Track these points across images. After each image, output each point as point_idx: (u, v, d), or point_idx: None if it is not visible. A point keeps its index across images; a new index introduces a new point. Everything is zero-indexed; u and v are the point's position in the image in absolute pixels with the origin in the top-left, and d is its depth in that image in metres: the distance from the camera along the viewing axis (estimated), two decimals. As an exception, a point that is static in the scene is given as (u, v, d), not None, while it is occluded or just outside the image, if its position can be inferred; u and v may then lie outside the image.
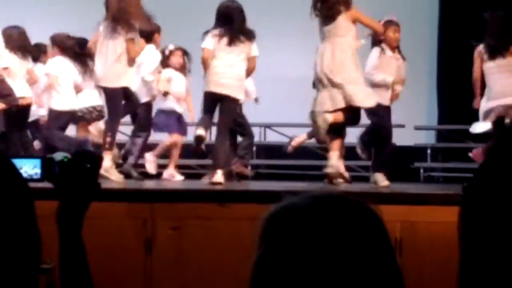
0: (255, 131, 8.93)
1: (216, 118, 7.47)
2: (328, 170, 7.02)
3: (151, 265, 5.56)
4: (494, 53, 7.55)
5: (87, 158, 1.95)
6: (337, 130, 7.06)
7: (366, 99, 6.95)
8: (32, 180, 1.90)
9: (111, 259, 5.31)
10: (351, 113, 7.00)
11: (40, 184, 1.89)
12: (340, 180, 7.11)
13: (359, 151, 7.59)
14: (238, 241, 5.41)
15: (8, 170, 1.46)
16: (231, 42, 7.16)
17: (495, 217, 1.29)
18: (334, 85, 6.86)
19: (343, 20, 6.93)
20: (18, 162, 1.83)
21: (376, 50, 7.53)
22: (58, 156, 1.94)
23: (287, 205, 1.41)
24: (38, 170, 1.93)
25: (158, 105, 8.51)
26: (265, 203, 5.09)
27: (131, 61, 7.47)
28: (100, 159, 2.00)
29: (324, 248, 1.34)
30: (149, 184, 7.56)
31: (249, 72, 7.45)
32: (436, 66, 11.84)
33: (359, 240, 1.36)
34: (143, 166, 8.25)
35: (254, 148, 9.79)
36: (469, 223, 1.33)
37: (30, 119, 8.74)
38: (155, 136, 8.59)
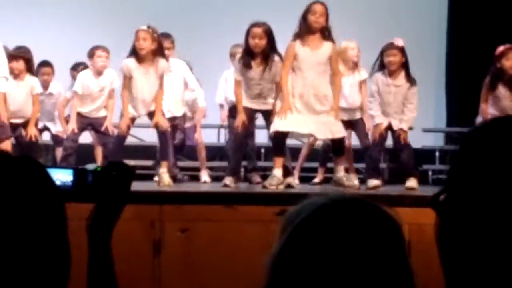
0: (263, 133, 8.92)
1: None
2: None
3: (159, 267, 5.57)
4: None
5: (120, 168, 1.95)
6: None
7: None
8: (64, 189, 1.89)
9: (119, 261, 5.30)
10: None
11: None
12: None
13: None
14: (246, 243, 5.42)
15: (40, 176, 1.47)
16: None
17: (472, 225, 1.29)
18: None
19: None
20: (51, 172, 1.84)
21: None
22: (91, 166, 1.94)
23: (306, 204, 1.43)
24: (70, 180, 1.92)
25: None
26: (272, 205, 5.08)
27: None
28: (133, 172, 2.00)
29: (336, 246, 1.35)
30: (157, 186, 7.56)
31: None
32: (445, 68, 11.83)
33: (372, 241, 1.37)
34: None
35: (263, 150, 9.80)
36: (446, 233, 1.34)
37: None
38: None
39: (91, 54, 8.55)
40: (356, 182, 7.46)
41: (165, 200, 5.73)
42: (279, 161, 7.20)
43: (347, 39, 8.27)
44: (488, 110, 7.95)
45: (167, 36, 8.46)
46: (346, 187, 7.09)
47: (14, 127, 8.22)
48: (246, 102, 7.51)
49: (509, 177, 1.28)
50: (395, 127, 7.71)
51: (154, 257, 5.56)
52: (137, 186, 7.26)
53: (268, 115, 7.53)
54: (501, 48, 7.93)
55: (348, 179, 7.31)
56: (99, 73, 8.45)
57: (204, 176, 8.99)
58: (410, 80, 7.68)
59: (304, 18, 7.15)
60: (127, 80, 7.55)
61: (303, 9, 7.20)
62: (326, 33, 7.14)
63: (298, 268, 1.36)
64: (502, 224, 1.27)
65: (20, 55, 8.24)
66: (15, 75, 8.22)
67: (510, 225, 1.26)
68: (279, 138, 7.23)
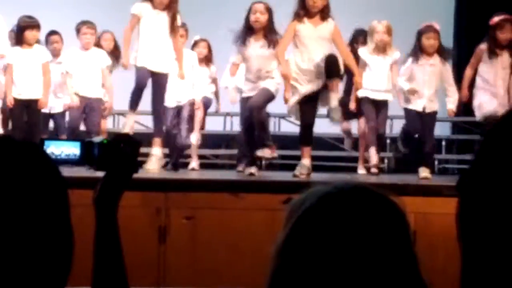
0: (270, 121, 8.94)
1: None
2: None
3: (165, 254, 5.57)
4: None
5: (126, 141, 1.96)
6: None
7: None
8: (71, 162, 1.92)
9: (124, 248, 5.31)
10: None
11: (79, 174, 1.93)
12: None
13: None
14: (252, 231, 5.42)
15: (40, 160, 1.46)
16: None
17: (495, 210, 1.28)
18: None
19: None
20: (58, 144, 1.86)
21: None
22: (98, 138, 1.96)
23: (310, 192, 1.43)
24: (77, 152, 1.94)
25: None
26: (279, 194, 5.08)
27: None
28: (139, 144, 2.01)
29: (341, 235, 1.35)
30: (163, 173, 7.57)
31: None
32: (452, 57, 11.79)
33: (377, 230, 1.37)
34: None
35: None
36: (468, 218, 1.33)
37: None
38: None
39: (77, 30, 8.53)
40: (303, 170, 7.28)
41: (170, 188, 5.74)
42: (307, 151, 7.18)
43: (378, 20, 8.28)
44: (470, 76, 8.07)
45: (181, 24, 8.48)
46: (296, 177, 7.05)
47: (21, 105, 8.25)
48: (246, 89, 7.52)
49: None
50: (428, 110, 7.76)
51: (160, 244, 5.57)
52: (143, 173, 7.30)
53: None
54: (495, 19, 7.93)
55: (298, 168, 7.17)
56: (86, 49, 8.46)
57: (193, 163, 8.98)
58: (444, 57, 7.84)
59: (302, 0, 7.11)
60: (135, 19, 7.60)
61: None
62: (325, 13, 7.12)
63: (303, 256, 1.36)
64: None
65: (35, 24, 8.31)
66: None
67: None
68: (306, 126, 7.21)
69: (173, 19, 7.60)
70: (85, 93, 8.39)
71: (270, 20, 7.35)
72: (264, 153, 7.26)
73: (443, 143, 10.77)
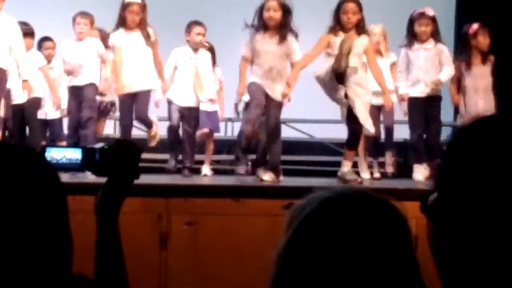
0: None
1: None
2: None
3: (166, 260, 5.57)
4: None
5: (127, 147, 1.96)
6: None
7: None
8: (72, 168, 1.93)
9: (125, 254, 5.29)
10: None
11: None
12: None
13: None
14: (253, 237, 5.41)
15: (39, 166, 1.46)
16: None
17: (466, 227, 1.27)
18: None
19: None
20: (59, 151, 1.87)
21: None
22: (99, 144, 1.97)
23: (311, 198, 1.43)
24: (79, 159, 1.95)
25: None
26: (280, 199, 5.07)
27: None
28: (140, 149, 2.01)
29: (342, 240, 1.35)
30: (164, 179, 7.56)
31: None
32: (452, 62, 11.78)
33: (378, 235, 1.37)
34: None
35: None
36: (440, 239, 1.32)
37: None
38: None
39: (73, 20, 8.51)
40: (360, 175, 7.40)
41: (172, 193, 5.74)
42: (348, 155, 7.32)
43: (374, 23, 8.31)
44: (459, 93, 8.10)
45: (199, 23, 8.50)
46: (348, 182, 7.02)
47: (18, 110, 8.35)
48: (255, 78, 7.26)
49: (504, 176, 1.24)
50: (425, 94, 7.78)
51: (161, 250, 5.57)
52: (144, 179, 7.26)
53: (269, 102, 7.31)
54: (475, 27, 7.97)
55: (351, 173, 7.24)
56: (80, 40, 8.41)
57: (206, 169, 8.96)
58: (439, 40, 7.85)
59: (337, 15, 7.11)
60: (119, 49, 7.74)
61: (335, 5, 7.18)
62: (360, 28, 7.14)
63: (304, 262, 1.36)
64: (499, 227, 1.23)
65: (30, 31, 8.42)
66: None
67: (508, 227, 1.22)
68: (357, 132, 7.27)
69: (147, 35, 7.72)
70: (78, 82, 8.31)
71: (284, 17, 7.20)
72: (269, 177, 7.21)
73: (444, 148, 10.77)
